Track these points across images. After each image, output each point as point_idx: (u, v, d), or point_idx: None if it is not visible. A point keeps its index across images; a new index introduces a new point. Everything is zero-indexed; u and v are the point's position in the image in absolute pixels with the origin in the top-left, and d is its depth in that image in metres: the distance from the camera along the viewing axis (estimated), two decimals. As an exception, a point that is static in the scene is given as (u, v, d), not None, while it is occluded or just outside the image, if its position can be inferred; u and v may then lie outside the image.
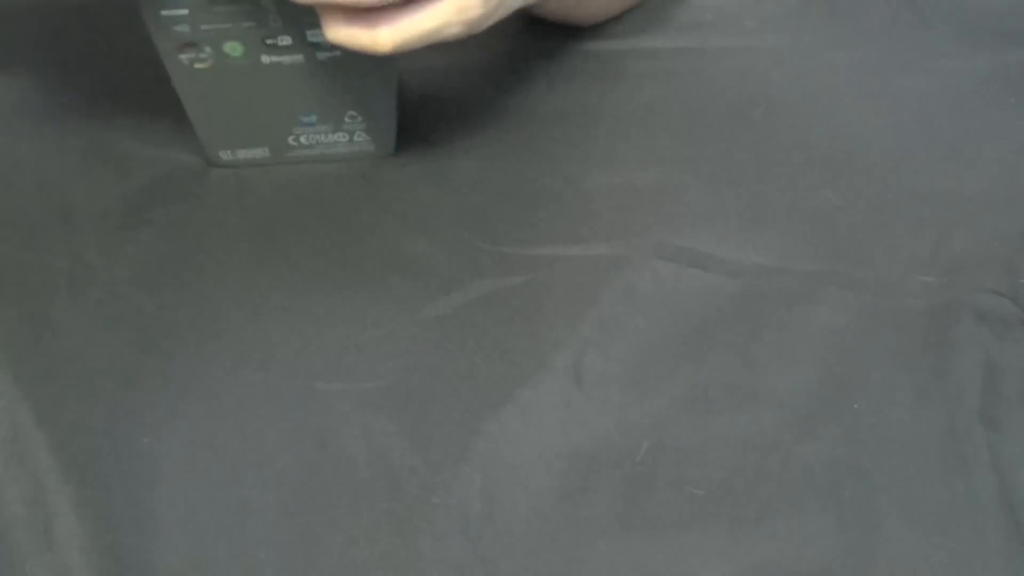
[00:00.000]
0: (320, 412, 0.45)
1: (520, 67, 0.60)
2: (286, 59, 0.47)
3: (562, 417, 0.45)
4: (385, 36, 0.42)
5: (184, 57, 0.47)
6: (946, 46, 0.60)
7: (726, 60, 0.60)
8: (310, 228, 0.51)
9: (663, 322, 0.48)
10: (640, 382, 0.46)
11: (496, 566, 0.41)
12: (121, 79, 0.57)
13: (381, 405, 0.45)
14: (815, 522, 0.42)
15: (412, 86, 0.59)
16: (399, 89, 0.51)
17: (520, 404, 0.45)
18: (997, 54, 0.59)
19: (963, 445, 0.44)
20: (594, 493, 0.43)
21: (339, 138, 0.52)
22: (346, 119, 0.50)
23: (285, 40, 0.46)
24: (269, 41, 0.46)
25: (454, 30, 0.43)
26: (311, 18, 0.45)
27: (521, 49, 0.61)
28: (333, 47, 0.45)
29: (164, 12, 0.44)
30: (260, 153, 0.52)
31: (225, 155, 0.52)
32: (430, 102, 0.58)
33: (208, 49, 0.46)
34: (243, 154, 0.52)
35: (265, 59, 0.47)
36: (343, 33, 0.42)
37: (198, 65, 0.47)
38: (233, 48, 0.46)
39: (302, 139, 0.52)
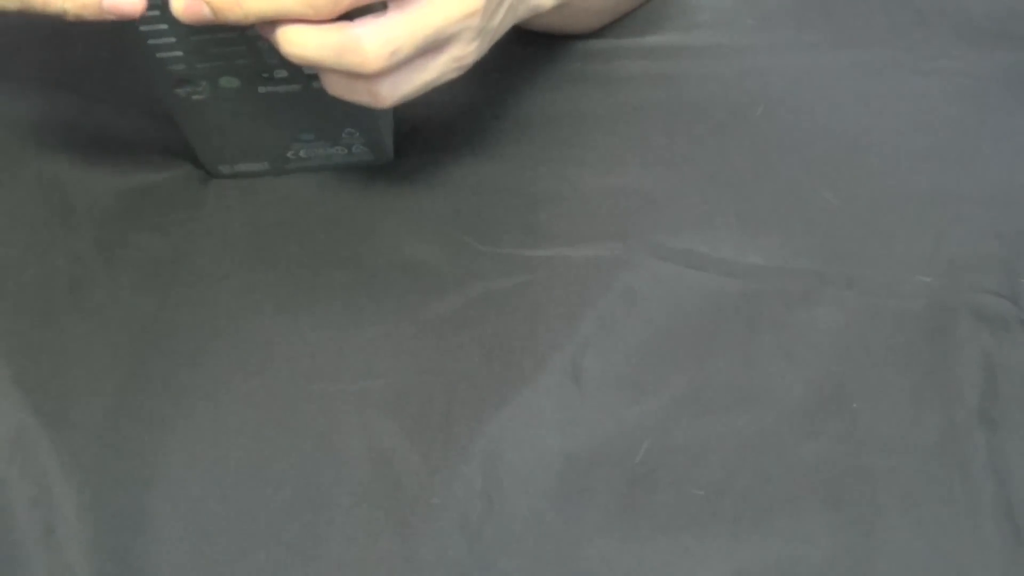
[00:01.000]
0: (320, 412, 0.45)
1: (517, 68, 0.60)
2: (282, 88, 0.47)
3: (562, 417, 0.45)
4: (385, 92, 0.43)
5: (180, 91, 0.47)
6: (945, 46, 0.60)
7: (724, 60, 0.60)
8: (310, 230, 0.51)
9: (662, 323, 0.48)
10: (640, 382, 0.46)
11: (496, 566, 0.41)
12: (123, 81, 0.57)
13: (381, 405, 0.45)
14: (815, 522, 0.42)
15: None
16: None
17: (520, 404, 0.45)
18: (997, 55, 0.59)
19: (962, 445, 0.44)
20: (594, 493, 0.43)
21: (338, 151, 0.52)
22: (343, 135, 0.51)
23: (281, 73, 0.46)
24: (265, 75, 0.46)
25: (450, 76, 0.45)
26: None
27: (518, 50, 0.61)
28: None
29: (160, 54, 0.45)
30: (260, 166, 0.53)
31: (225, 169, 0.53)
32: (427, 104, 0.58)
33: (204, 83, 0.47)
34: (242, 167, 0.53)
35: (262, 89, 0.47)
36: (342, 88, 0.43)
37: (195, 97, 0.47)
38: (229, 82, 0.47)
39: (301, 153, 0.52)
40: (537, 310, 0.49)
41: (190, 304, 0.49)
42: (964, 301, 0.48)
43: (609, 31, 0.63)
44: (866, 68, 0.60)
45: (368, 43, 0.40)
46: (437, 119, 0.57)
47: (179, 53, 0.45)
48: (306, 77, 0.46)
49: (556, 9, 0.50)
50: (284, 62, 0.43)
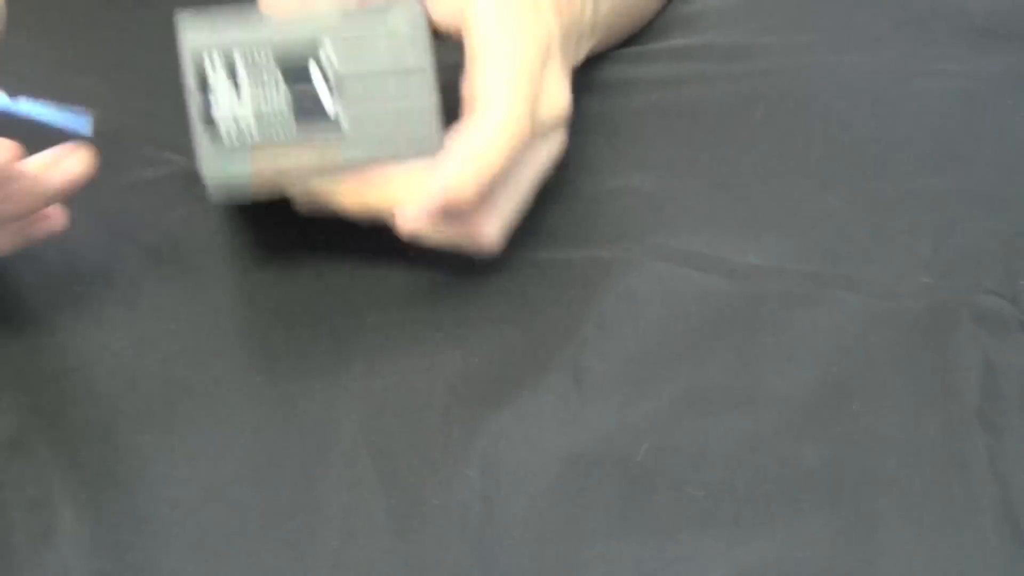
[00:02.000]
0: (320, 412, 0.45)
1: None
2: None
3: (562, 418, 0.45)
4: (489, 233, 0.47)
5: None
6: (946, 47, 0.60)
7: (724, 61, 0.60)
8: (310, 229, 0.51)
9: (662, 323, 0.48)
10: (640, 383, 0.46)
11: (495, 566, 0.41)
12: (123, 78, 0.57)
13: (381, 405, 0.45)
14: (815, 522, 0.42)
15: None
16: None
17: (520, 404, 0.45)
18: (997, 56, 0.59)
19: (962, 446, 0.44)
20: (594, 493, 0.43)
21: None
22: None
23: None
24: None
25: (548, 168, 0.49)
26: None
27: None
28: None
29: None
30: None
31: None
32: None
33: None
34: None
35: None
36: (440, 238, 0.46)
37: None
38: None
39: None
40: (537, 311, 0.49)
41: (190, 303, 0.49)
42: (964, 302, 0.48)
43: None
44: (866, 70, 0.60)
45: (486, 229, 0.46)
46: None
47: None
48: None
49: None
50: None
